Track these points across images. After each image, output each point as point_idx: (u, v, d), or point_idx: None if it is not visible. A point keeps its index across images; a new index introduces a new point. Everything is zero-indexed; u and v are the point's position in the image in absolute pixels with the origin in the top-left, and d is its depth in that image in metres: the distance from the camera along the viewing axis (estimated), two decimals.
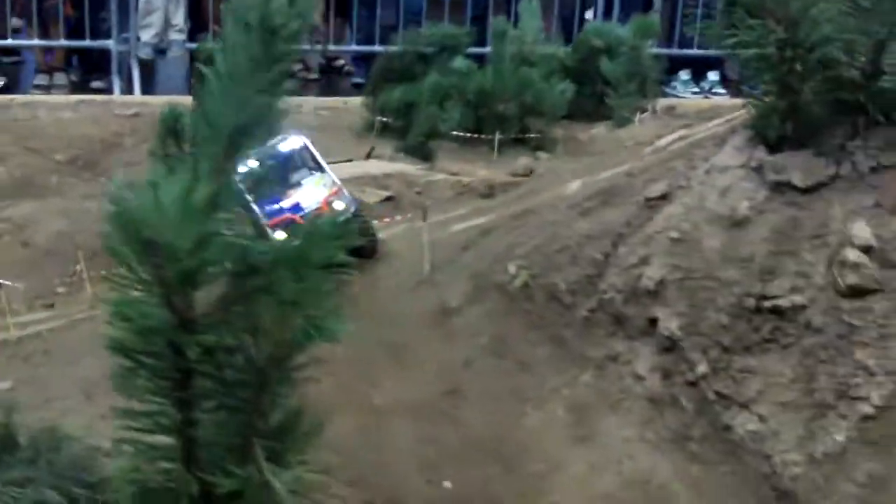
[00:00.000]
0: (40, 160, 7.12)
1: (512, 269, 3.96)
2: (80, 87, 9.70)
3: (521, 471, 3.47)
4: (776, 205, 3.49)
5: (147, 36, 9.70)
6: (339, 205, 4.41)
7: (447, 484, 3.48)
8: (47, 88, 9.48)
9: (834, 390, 3.21)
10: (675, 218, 3.58)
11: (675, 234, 3.52)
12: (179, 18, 9.86)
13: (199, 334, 2.52)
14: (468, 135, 7.20)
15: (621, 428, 3.47)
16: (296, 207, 4.36)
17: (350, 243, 2.58)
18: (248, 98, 2.49)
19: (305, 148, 4.54)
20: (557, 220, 4.08)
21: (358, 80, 10.09)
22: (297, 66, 11.00)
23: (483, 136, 7.08)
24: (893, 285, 3.31)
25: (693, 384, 3.37)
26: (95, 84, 9.72)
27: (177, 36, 9.86)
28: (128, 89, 9.59)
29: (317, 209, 4.37)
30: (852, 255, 3.30)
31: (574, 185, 4.30)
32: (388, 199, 6.27)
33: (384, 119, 7.43)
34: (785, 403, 3.25)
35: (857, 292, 3.29)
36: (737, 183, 3.55)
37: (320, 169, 4.51)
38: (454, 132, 7.23)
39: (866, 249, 3.31)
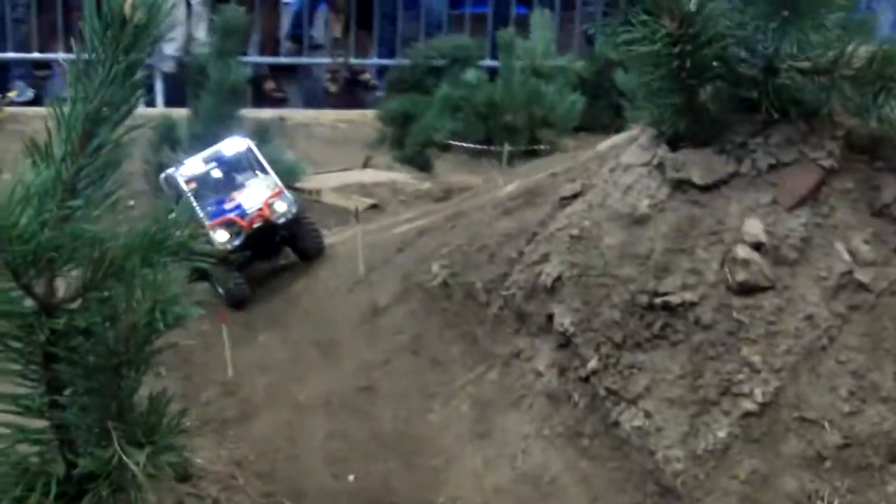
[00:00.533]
0: None
1: (435, 268, 4.01)
2: None
3: (420, 465, 3.52)
4: (676, 203, 3.50)
5: (170, 49, 9.90)
6: (280, 205, 4.51)
7: (351, 477, 3.54)
8: None
9: (718, 386, 3.23)
10: (576, 216, 3.61)
11: (575, 232, 3.55)
12: (202, 33, 10.06)
13: (55, 319, 2.62)
14: (478, 146, 7.26)
15: (520, 424, 3.51)
16: (237, 208, 4.46)
17: (195, 233, 2.66)
18: (100, 87, 2.57)
19: (249, 150, 4.64)
20: (482, 220, 4.12)
21: (381, 93, 10.24)
22: (325, 78, 11.19)
23: (493, 148, 7.11)
24: (784, 282, 3.32)
25: (585, 380, 3.40)
26: None
27: (200, 50, 10.06)
28: (150, 101, 9.82)
29: (258, 210, 4.47)
30: (742, 251, 3.31)
31: (509, 187, 4.34)
32: (373, 206, 6.37)
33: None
34: (671, 400, 3.27)
35: (746, 289, 3.30)
36: (639, 181, 3.57)
37: (264, 171, 4.61)
38: (463, 144, 7.30)
39: (757, 246, 3.32)
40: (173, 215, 2.66)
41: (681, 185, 3.51)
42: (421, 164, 7.34)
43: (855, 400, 3.19)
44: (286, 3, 11.32)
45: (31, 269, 2.53)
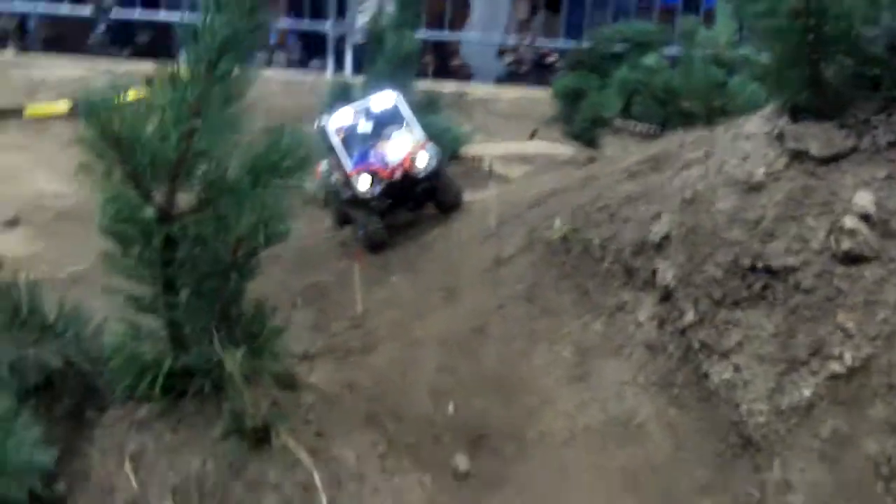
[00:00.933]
0: None
1: (557, 223, 4.16)
2: (299, 65, 10.50)
3: (517, 402, 3.68)
4: (792, 172, 3.56)
5: (361, 21, 10.30)
6: (422, 158, 4.71)
7: (450, 408, 3.73)
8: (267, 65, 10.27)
9: (809, 347, 3.28)
10: (692, 179, 3.71)
11: (688, 195, 3.65)
12: (391, 6, 10.41)
13: (172, 226, 2.90)
14: (650, 129, 7.32)
15: (617, 371, 3.63)
16: (381, 158, 4.70)
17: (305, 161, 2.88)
18: (232, 19, 2.84)
19: (398, 105, 4.87)
20: (608, 182, 4.25)
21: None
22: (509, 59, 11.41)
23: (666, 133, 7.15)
24: (890, 254, 3.34)
25: (682, 333, 3.49)
26: (314, 64, 10.45)
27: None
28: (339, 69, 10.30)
29: (400, 161, 4.69)
30: (850, 221, 3.35)
31: (638, 154, 4.45)
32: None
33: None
34: (761, 356, 3.34)
35: (850, 258, 3.34)
36: (757, 149, 3.64)
37: (410, 125, 4.83)
38: (640, 128, 7.37)
39: (865, 217, 3.35)
40: (287, 141, 2.91)
41: (798, 156, 3.57)
42: (588, 140, 7.43)
43: None
44: None
45: (152, 180, 2.81)
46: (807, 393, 3.23)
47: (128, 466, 3.07)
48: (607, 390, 3.60)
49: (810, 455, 3.19)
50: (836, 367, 3.23)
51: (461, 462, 3.50)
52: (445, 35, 10.61)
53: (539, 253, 4.19)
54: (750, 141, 3.69)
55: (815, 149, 3.54)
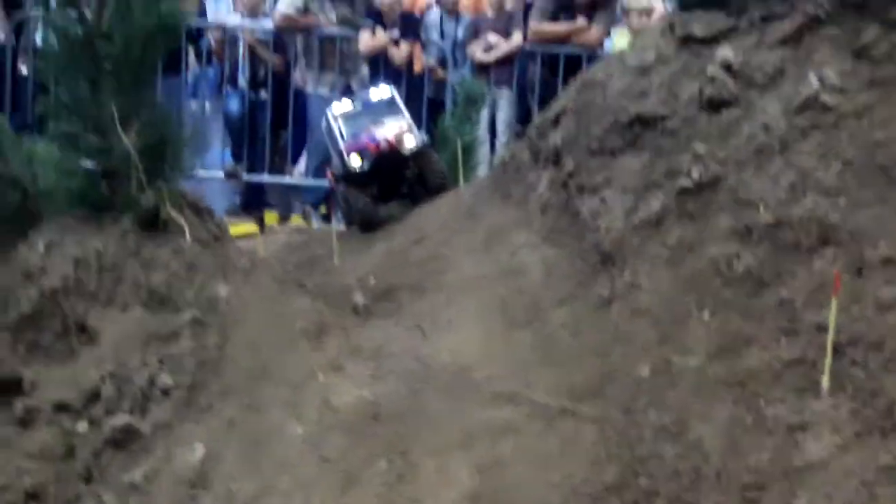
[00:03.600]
0: None
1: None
2: None
3: (425, 271, 4.00)
4: (680, 55, 3.88)
5: None
6: (408, 138, 5.18)
7: (371, 281, 4.08)
8: None
9: (665, 173, 3.53)
10: (594, 71, 4.07)
11: (587, 79, 4.00)
12: None
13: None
14: None
15: (517, 237, 3.90)
16: (372, 138, 5.19)
17: None
18: None
19: (392, 98, 5.41)
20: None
21: None
22: None
23: None
24: (750, 100, 3.59)
25: (564, 185, 3.78)
26: None
27: None
28: None
29: (387, 139, 5.16)
30: (711, 69, 3.64)
31: None
32: None
33: None
34: (625, 187, 3.59)
35: (714, 104, 3.61)
36: (652, 40, 3.98)
37: (401, 114, 5.33)
38: None
39: (727, 67, 3.63)
40: None
41: (686, 41, 3.89)
42: None
43: (794, 191, 3.38)
44: None
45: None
46: (656, 206, 3.46)
47: (40, 247, 3.53)
48: (504, 252, 3.87)
49: (657, 260, 3.39)
50: (684, 182, 3.46)
51: (358, 298, 3.81)
52: None
53: (485, 180, 4.56)
54: (648, 35, 4.04)
55: (698, 31, 3.86)
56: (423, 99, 8.32)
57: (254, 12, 8.71)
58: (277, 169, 8.78)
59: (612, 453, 2.92)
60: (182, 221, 3.46)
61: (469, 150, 5.98)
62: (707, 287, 3.28)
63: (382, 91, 5.48)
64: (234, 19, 8.90)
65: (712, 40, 3.82)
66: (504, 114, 8.41)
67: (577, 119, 3.87)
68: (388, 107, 5.38)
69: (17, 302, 3.42)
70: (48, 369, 3.35)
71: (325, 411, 3.11)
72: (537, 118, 4.23)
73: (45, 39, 3.60)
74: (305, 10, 8.52)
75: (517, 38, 8.46)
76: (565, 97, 4.02)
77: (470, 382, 3.26)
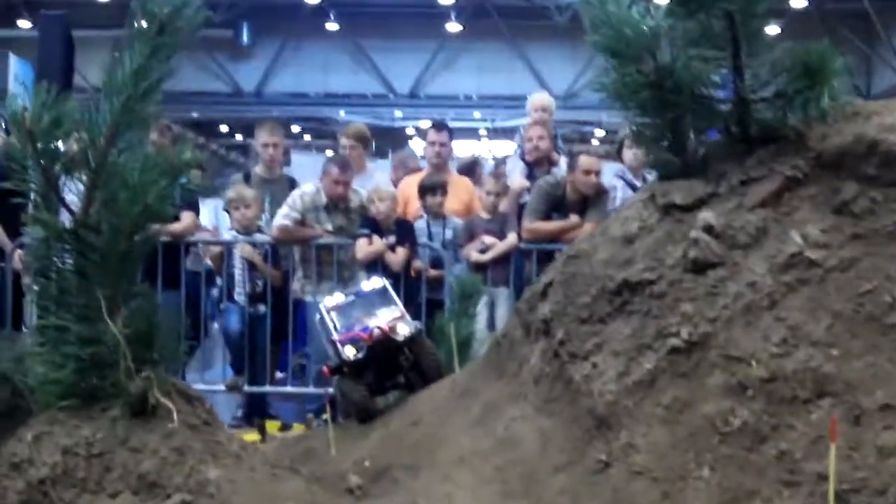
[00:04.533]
0: None
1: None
2: None
3: (420, 450, 3.95)
4: (662, 224, 3.93)
5: None
6: (402, 327, 5.17)
7: (366, 463, 4.02)
8: None
9: (655, 335, 3.53)
10: (580, 242, 4.11)
11: (572, 252, 4.04)
12: None
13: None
14: None
15: (511, 411, 3.86)
16: (365, 328, 5.17)
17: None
18: None
19: (384, 287, 5.42)
20: None
21: None
22: None
23: None
24: (735, 260, 3.63)
25: (556, 354, 3.76)
26: None
27: None
28: None
29: (380, 328, 5.14)
30: (695, 233, 3.69)
31: None
32: None
33: None
34: (616, 351, 3.58)
35: (699, 266, 3.64)
36: (635, 211, 4.04)
37: (394, 304, 5.34)
38: None
39: (708, 229, 3.68)
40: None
41: (668, 210, 3.95)
42: None
43: (786, 345, 3.38)
44: None
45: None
46: (648, 366, 3.45)
47: (28, 438, 3.49)
48: (499, 426, 3.82)
49: (652, 420, 3.36)
50: (675, 342, 3.46)
51: (353, 480, 3.74)
52: None
53: (480, 360, 4.55)
54: (631, 207, 4.10)
55: (679, 198, 3.92)
56: (423, 300, 8.38)
57: (248, 230, 8.87)
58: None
59: None
60: (171, 405, 3.43)
61: (466, 344, 5.98)
62: (705, 443, 3.24)
63: (374, 282, 5.51)
64: (229, 236, 9.05)
65: (694, 206, 3.88)
66: (503, 310, 8.46)
67: (565, 289, 3.89)
68: (381, 297, 5.38)
69: (4, 494, 3.36)
70: None
71: None
72: (526, 292, 4.24)
73: (33, 235, 3.62)
74: (302, 221, 8.69)
75: (512, 238, 8.62)
76: (552, 270, 4.05)
77: None
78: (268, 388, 8.73)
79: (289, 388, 8.83)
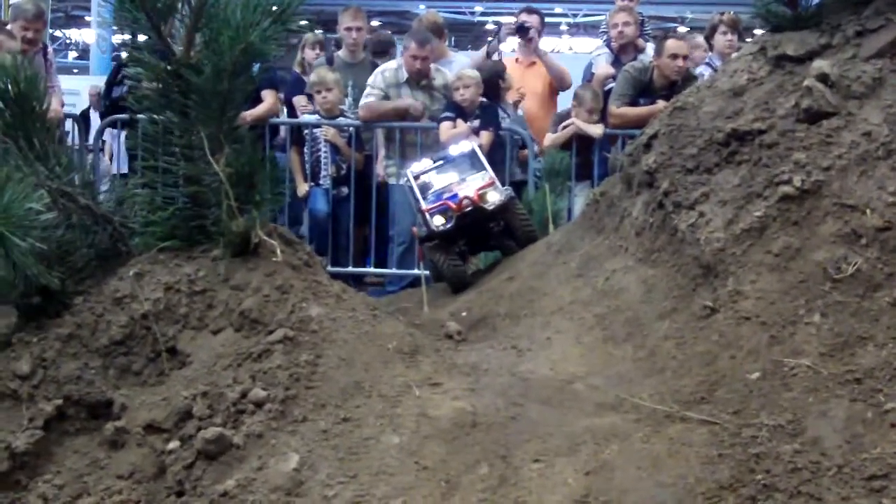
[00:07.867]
0: None
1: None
2: None
3: (519, 300, 3.91)
4: (773, 76, 3.81)
5: None
6: (491, 195, 5.07)
7: (464, 313, 4.01)
8: None
9: (765, 183, 3.43)
10: (685, 95, 4.00)
11: (678, 104, 3.94)
12: None
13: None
14: None
15: (612, 263, 3.82)
16: (453, 196, 5.08)
17: None
18: None
19: (473, 151, 5.32)
20: None
21: None
22: None
23: None
24: (850, 109, 3.50)
25: (660, 205, 3.69)
26: None
27: None
28: None
29: (470, 196, 5.05)
30: (808, 81, 3.56)
31: None
32: None
33: None
34: (723, 201, 3.49)
35: (811, 116, 3.52)
36: (743, 64, 3.93)
37: (484, 169, 5.23)
38: None
39: (822, 78, 3.55)
40: None
41: (779, 62, 3.83)
42: None
43: None
44: None
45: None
46: (758, 214, 3.36)
47: (131, 275, 3.51)
48: (600, 277, 3.78)
49: (761, 267, 3.28)
50: (786, 189, 3.36)
51: (451, 326, 3.73)
52: None
53: (576, 220, 4.49)
54: (740, 60, 3.98)
55: (791, 49, 3.80)
56: (506, 181, 8.29)
57: (330, 113, 8.77)
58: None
59: (724, 453, 2.77)
60: (274, 243, 3.41)
61: (557, 217, 5.91)
62: (816, 290, 3.15)
63: (463, 146, 5.40)
64: (311, 118, 8.97)
65: (806, 58, 3.76)
66: (582, 204, 8.31)
67: (670, 141, 3.79)
68: (470, 161, 5.28)
69: (107, 327, 3.38)
70: (138, 392, 3.29)
71: (423, 421, 3.00)
72: (628, 146, 4.15)
73: (134, 77, 3.60)
74: (386, 98, 8.59)
75: (598, 127, 8.42)
76: (656, 122, 3.95)
77: (571, 393, 3.14)
78: (350, 269, 8.72)
79: (371, 269, 8.82)
